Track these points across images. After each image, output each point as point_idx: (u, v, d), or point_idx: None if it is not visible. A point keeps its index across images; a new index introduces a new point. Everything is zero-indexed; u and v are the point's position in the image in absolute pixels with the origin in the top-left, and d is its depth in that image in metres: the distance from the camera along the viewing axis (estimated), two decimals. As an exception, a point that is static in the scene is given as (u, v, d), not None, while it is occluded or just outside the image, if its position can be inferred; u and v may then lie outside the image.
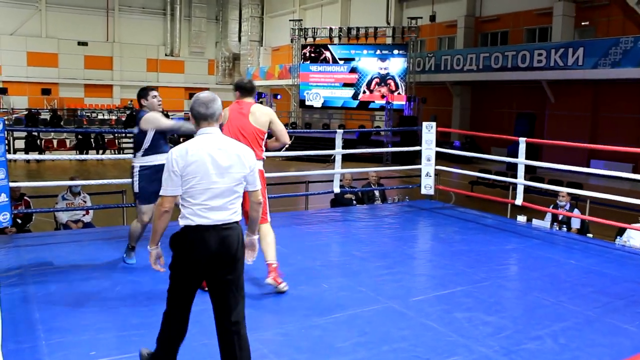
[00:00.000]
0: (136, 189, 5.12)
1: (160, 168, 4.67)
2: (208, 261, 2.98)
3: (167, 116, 29.39)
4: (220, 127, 3.25)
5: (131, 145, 22.88)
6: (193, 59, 40.52)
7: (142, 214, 5.16)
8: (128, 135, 24.31)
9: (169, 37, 39.05)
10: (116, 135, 24.06)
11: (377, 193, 10.33)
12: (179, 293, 3.06)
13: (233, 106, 4.80)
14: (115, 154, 22.54)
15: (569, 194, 8.14)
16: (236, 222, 3.08)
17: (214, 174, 3.01)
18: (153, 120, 5.04)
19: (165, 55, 39.35)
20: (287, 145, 5.04)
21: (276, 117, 4.85)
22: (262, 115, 4.74)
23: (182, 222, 3.03)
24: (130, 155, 5.34)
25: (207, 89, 40.81)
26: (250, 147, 3.65)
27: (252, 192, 3.25)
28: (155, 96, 5.16)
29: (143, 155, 5.10)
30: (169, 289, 3.09)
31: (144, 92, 5.19)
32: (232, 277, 3.02)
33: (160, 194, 3.08)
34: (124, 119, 29.35)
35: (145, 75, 38.44)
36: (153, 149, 5.09)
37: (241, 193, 3.12)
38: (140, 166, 5.11)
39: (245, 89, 4.81)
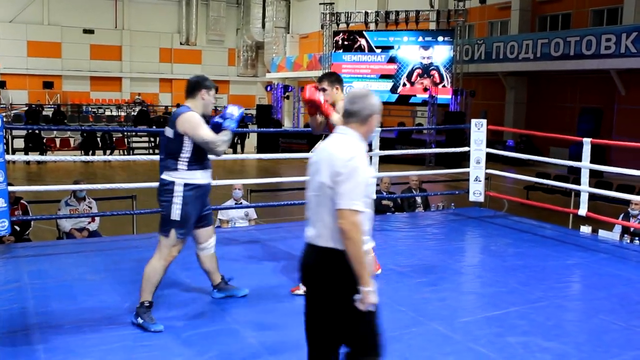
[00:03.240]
0: (176, 216, 4.33)
1: (207, 190, 4.53)
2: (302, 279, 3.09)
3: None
4: None
5: (143, 145, 23.00)
6: (211, 48, 40.91)
7: (173, 247, 4.42)
8: (139, 134, 24.77)
9: (184, 24, 39.50)
10: (125, 133, 24.42)
11: (418, 199, 10.29)
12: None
13: None
14: (124, 154, 22.87)
15: (641, 201, 8.01)
16: (320, 247, 2.99)
17: (308, 182, 3.06)
18: (193, 123, 4.32)
19: (180, 44, 39.81)
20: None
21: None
22: None
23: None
24: (142, 157, 5.32)
25: (227, 81, 41.39)
26: None
27: (338, 211, 2.94)
28: (213, 96, 4.58)
29: (189, 169, 4.36)
30: (376, 331, 3.00)
31: (207, 84, 4.55)
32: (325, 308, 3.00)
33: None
34: (134, 115, 29.77)
35: (158, 67, 38.97)
36: (199, 162, 4.41)
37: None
38: (185, 184, 4.35)
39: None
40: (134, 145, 24.74)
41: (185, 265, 5.74)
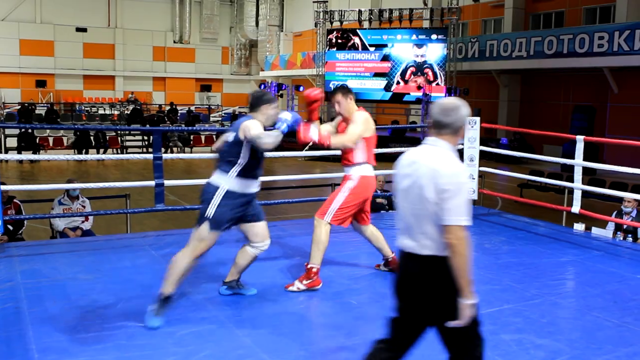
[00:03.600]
0: (210, 214, 4.48)
1: (251, 198, 4.71)
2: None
3: (175, 112, 29.41)
4: None
5: (137, 143, 22.93)
6: (205, 46, 40.86)
7: (202, 241, 4.50)
8: (132, 132, 24.74)
9: (177, 22, 39.46)
10: (119, 132, 24.39)
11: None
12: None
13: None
14: (117, 153, 22.84)
15: (635, 199, 8.03)
16: (419, 255, 3.01)
17: (400, 195, 3.08)
18: (250, 126, 4.43)
19: (174, 42, 39.76)
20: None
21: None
22: None
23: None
24: (136, 156, 5.34)
25: (221, 80, 41.34)
26: None
27: (444, 228, 2.96)
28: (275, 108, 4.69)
29: (237, 176, 4.54)
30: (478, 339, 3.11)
31: (267, 98, 4.72)
32: (411, 317, 3.11)
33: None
34: (127, 113, 29.71)
35: (152, 65, 38.89)
36: (250, 170, 4.60)
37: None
38: (228, 191, 4.52)
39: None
40: (128, 144, 24.72)
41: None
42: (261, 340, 4.11)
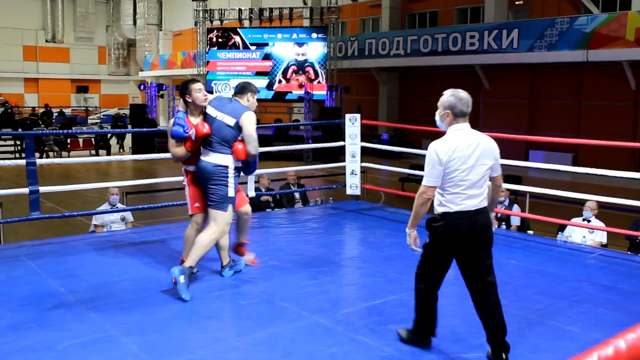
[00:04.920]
0: (233, 193, 5.11)
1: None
2: (463, 242, 3.84)
3: (50, 114, 28.16)
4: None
5: (8, 149, 21.68)
6: (80, 45, 39.37)
7: (229, 222, 5.21)
8: (2, 137, 23.35)
9: (49, 20, 37.77)
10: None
11: (297, 195, 10.38)
12: (433, 269, 4.01)
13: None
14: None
15: (507, 189, 8.46)
16: (485, 207, 3.90)
17: (470, 167, 3.79)
18: (253, 122, 5.14)
19: (46, 41, 38.05)
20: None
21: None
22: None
23: (440, 209, 3.89)
24: (7, 162, 5.11)
25: (98, 80, 39.98)
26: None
27: (496, 177, 4.02)
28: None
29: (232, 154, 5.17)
30: (421, 266, 4.07)
31: (253, 88, 5.34)
32: (482, 254, 3.90)
33: (425, 184, 3.85)
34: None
35: (22, 66, 37.04)
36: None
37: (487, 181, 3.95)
38: (234, 170, 5.15)
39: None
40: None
41: (59, 274, 5.51)
42: (148, 347, 4.00)
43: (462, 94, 3.95)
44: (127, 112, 31.48)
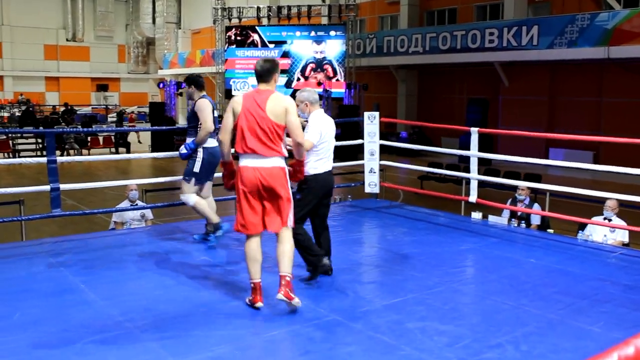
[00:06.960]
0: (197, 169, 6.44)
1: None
2: (327, 191, 5.43)
3: (74, 112, 28.47)
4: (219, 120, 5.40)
5: (30, 147, 21.92)
6: (100, 44, 39.66)
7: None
8: (25, 135, 23.62)
9: (70, 19, 38.07)
10: (9, 135, 23.20)
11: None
12: (309, 211, 5.38)
13: (250, 94, 4.68)
14: (8, 157, 21.78)
15: (527, 187, 8.40)
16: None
17: (331, 138, 5.36)
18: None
19: (67, 40, 38.35)
20: (305, 149, 4.87)
21: (294, 107, 4.67)
22: (277, 105, 4.56)
23: (312, 171, 5.22)
24: (29, 160, 5.17)
25: (118, 79, 40.24)
26: (270, 143, 4.47)
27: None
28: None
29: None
30: (299, 214, 5.06)
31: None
32: (328, 200, 5.59)
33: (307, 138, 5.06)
34: (19, 115, 28.37)
35: (43, 64, 37.40)
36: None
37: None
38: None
39: (257, 74, 4.69)
40: (20, 147, 23.56)
41: (79, 271, 5.56)
42: (168, 344, 4.02)
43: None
44: (146, 110, 31.65)
